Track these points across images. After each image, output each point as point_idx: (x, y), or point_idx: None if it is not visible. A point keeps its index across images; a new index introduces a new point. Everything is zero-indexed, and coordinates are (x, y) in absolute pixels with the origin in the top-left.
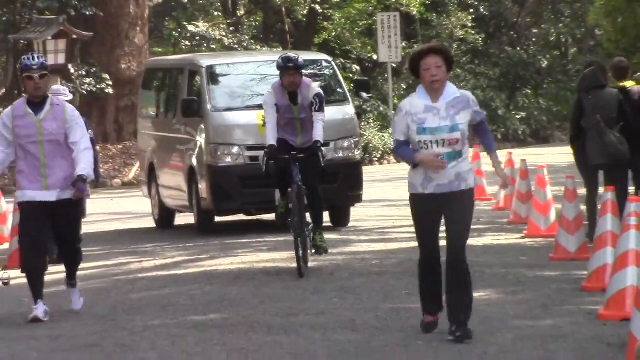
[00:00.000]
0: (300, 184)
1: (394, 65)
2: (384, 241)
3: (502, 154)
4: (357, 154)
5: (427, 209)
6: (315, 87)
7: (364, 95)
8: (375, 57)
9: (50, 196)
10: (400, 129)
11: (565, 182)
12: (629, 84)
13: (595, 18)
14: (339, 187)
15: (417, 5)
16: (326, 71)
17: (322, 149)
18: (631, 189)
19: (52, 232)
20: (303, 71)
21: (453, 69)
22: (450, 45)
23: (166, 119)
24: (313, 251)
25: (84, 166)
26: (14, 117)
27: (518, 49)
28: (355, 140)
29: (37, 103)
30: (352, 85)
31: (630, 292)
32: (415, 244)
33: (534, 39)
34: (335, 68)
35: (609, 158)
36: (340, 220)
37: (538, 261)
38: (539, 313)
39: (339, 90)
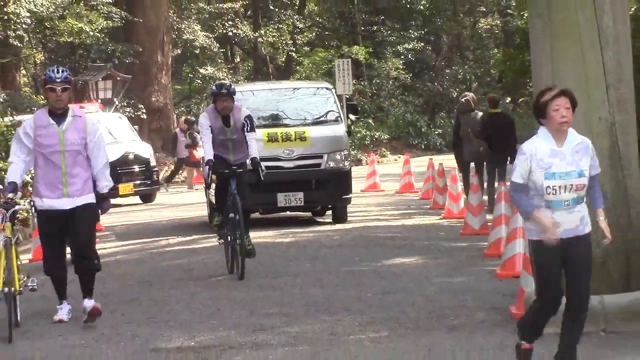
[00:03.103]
0: (236, 195)
1: (347, 96)
2: (342, 223)
3: (424, 160)
4: (347, 164)
5: (552, 253)
6: (245, 110)
7: (352, 116)
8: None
9: (69, 203)
10: (521, 172)
11: (471, 179)
12: (498, 110)
13: (496, 63)
14: (331, 191)
15: (363, 54)
16: (327, 95)
17: (259, 163)
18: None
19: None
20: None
21: (387, 98)
22: (387, 82)
23: None
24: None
25: (106, 183)
26: (36, 127)
27: (436, 84)
28: (345, 153)
29: (59, 114)
30: (345, 107)
31: (519, 257)
32: (364, 223)
33: (447, 77)
34: (334, 94)
35: (475, 156)
36: (339, 218)
37: (452, 235)
38: (453, 272)
39: (334, 112)
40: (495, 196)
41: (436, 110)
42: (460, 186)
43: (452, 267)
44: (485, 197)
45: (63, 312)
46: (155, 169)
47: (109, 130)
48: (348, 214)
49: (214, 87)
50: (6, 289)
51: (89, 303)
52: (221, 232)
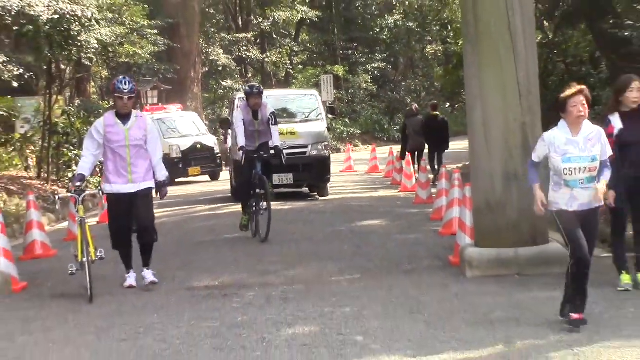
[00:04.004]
0: (261, 174)
1: (330, 102)
2: (325, 196)
3: (386, 149)
4: (327, 152)
5: (574, 222)
6: (270, 108)
7: (330, 116)
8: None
9: (133, 188)
10: (538, 153)
11: (423, 164)
12: (437, 113)
13: (438, 78)
14: (314, 173)
15: (342, 71)
16: (312, 100)
17: (282, 150)
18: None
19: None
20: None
21: (359, 103)
22: (359, 92)
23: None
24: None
25: (164, 173)
26: (105, 126)
27: (395, 93)
28: (325, 144)
29: (124, 115)
30: (326, 110)
31: (455, 220)
32: (342, 195)
33: (403, 88)
34: (319, 98)
35: (417, 147)
36: (323, 193)
37: (407, 204)
38: (408, 231)
39: (318, 112)
40: (438, 175)
41: (395, 113)
42: (411, 168)
43: (407, 227)
44: (431, 176)
45: (131, 279)
46: (219, 154)
47: (184, 125)
48: (330, 189)
49: (247, 88)
50: (84, 259)
51: (147, 274)
52: (245, 230)
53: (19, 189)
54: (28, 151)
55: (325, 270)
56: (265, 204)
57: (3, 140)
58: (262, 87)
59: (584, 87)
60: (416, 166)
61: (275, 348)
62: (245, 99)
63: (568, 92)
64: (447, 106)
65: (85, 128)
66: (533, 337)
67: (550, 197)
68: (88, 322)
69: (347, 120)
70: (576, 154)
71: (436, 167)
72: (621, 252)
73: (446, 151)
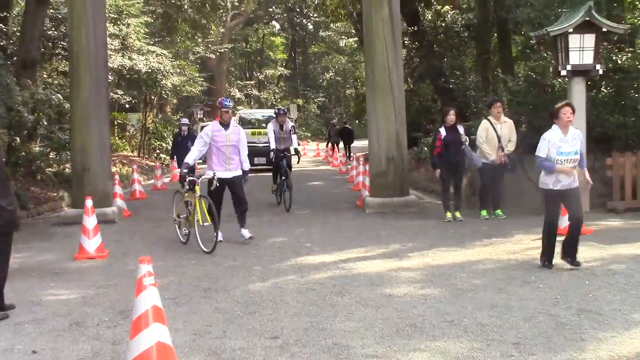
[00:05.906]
0: (286, 167)
1: (294, 119)
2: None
3: (324, 144)
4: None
5: (556, 199)
6: (291, 122)
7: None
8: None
9: (229, 175)
10: (544, 150)
11: (355, 155)
12: (347, 125)
13: (352, 107)
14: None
15: (301, 102)
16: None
17: (299, 151)
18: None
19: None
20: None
21: (310, 119)
22: (310, 114)
23: None
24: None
25: (248, 165)
26: (212, 130)
27: (329, 114)
28: (293, 147)
29: (225, 124)
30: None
31: (360, 182)
32: (300, 169)
33: (333, 112)
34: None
35: (336, 142)
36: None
37: (335, 174)
38: (336, 188)
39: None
40: (351, 159)
41: (329, 125)
42: (337, 153)
43: (335, 186)
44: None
45: (221, 235)
46: None
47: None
48: (307, 176)
49: (276, 110)
50: (205, 223)
51: (245, 232)
52: (275, 192)
53: (127, 162)
54: (133, 142)
55: (291, 208)
56: (287, 188)
57: (121, 136)
58: (286, 109)
59: (570, 101)
60: (341, 151)
61: (264, 249)
62: (275, 116)
63: (559, 104)
64: (357, 122)
65: (164, 130)
66: (400, 244)
67: (541, 178)
68: (167, 232)
69: (303, 128)
70: (566, 149)
71: (347, 154)
72: (446, 201)
73: (353, 145)
